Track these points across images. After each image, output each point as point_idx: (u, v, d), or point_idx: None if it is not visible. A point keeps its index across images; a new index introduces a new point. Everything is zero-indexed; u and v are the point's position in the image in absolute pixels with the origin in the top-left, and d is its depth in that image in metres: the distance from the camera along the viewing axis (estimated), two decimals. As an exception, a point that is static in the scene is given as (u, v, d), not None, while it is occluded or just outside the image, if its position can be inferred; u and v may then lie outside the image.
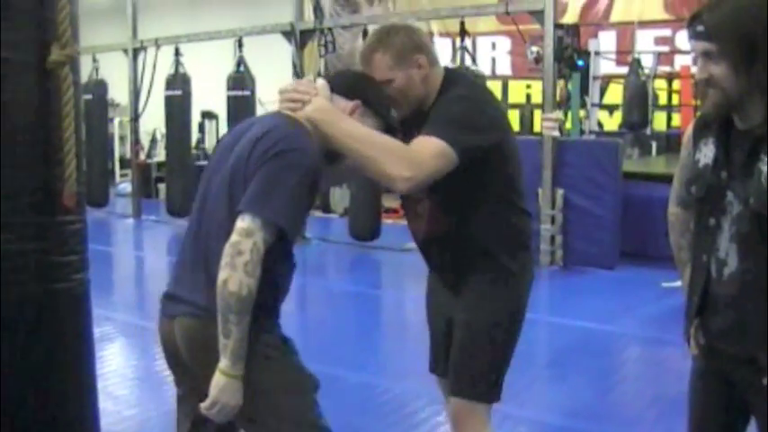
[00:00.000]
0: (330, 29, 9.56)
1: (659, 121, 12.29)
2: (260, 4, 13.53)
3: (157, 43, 11.04)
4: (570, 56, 7.88)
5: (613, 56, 12.34)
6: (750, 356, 2.07)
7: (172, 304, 2.29)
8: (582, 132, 10.19)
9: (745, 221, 2.03)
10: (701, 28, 2.04)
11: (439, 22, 12.65)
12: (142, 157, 14.12)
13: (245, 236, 2.08)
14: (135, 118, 11.60)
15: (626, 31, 11.88)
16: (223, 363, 2.09)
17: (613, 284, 7.62)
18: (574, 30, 8.15)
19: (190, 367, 2.26)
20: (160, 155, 13.38)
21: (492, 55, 13.54)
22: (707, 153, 2.16)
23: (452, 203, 2.69)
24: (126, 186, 12.89)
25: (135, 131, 11.94)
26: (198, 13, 14.74)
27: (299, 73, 9.58)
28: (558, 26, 7.87)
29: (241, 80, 9.90)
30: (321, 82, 2.44)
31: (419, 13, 11.10)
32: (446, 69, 2.79)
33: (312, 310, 7.14)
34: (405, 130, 2.63)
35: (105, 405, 4.26)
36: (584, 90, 10.21)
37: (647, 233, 7.96)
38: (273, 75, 10.60)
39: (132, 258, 10.00)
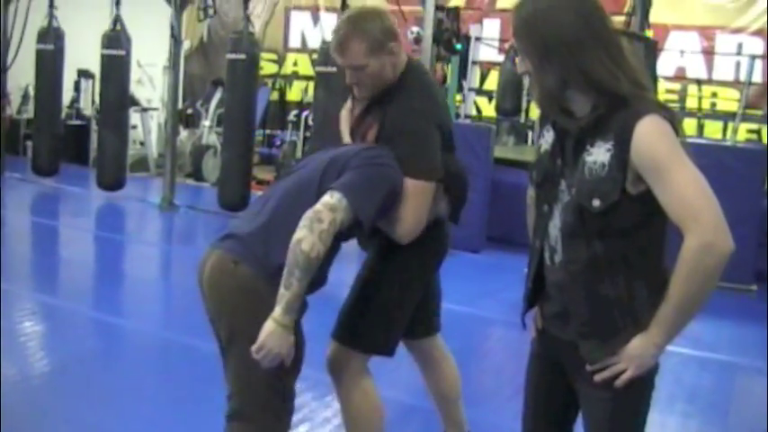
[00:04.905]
0: (211, -7, 9.34)
1: (536, 111, 12.47)
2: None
3: (30, -8, 10.51)
4: (449, 39, 7.92)
5: (496, 43, 12.38)
6: (574, 343, 2.12)
7: (221, 241, 2.54)
8: (457, 116, 10.27)
9: (570, 211, 2.06)
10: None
11: (325, -4, 12.63)
12: (10, 112, 13.52)
13: (328, 209, 2.35)
14: (2, 70, 11.07)
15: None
16: (276, 311, 2.29)
17: (478, 268, 7.72)
18: (454, 13, 8.21)
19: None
20: (31, 111, 12.82)
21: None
22: (548, 139, 2.18)
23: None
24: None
25: (2, 85, 11.40)
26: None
27: (176, 36, 9.33)
28: (438, 8, 7.91)
29: (117, 39, 9.55)
30: None
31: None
32: (408, 59, 2.88)
33: (176, 278, 6.96)
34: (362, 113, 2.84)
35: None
36: (463, 75, 10.29)
37: (513, 219, 7.92)
38: (152, 37, 10.35)
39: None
